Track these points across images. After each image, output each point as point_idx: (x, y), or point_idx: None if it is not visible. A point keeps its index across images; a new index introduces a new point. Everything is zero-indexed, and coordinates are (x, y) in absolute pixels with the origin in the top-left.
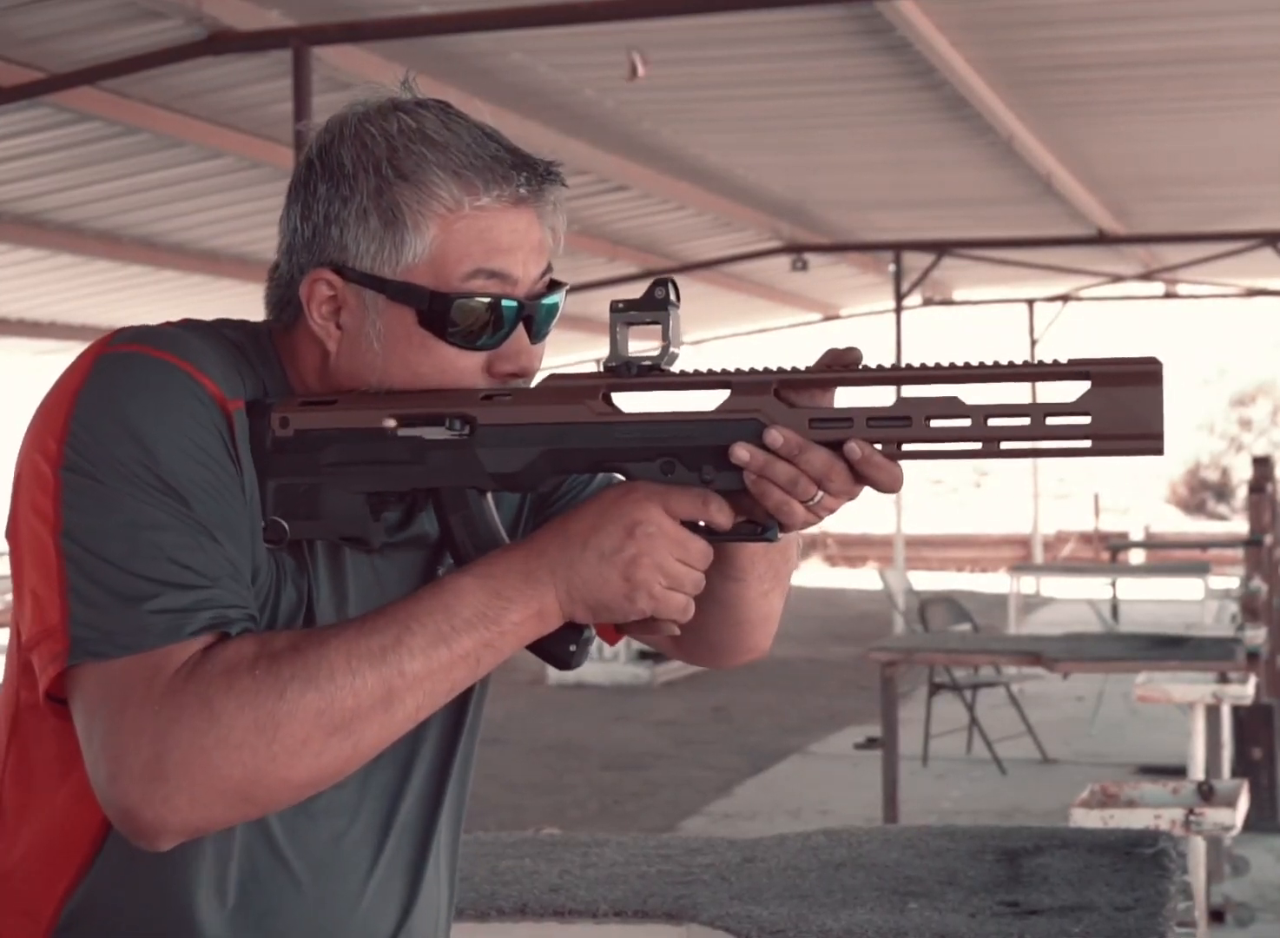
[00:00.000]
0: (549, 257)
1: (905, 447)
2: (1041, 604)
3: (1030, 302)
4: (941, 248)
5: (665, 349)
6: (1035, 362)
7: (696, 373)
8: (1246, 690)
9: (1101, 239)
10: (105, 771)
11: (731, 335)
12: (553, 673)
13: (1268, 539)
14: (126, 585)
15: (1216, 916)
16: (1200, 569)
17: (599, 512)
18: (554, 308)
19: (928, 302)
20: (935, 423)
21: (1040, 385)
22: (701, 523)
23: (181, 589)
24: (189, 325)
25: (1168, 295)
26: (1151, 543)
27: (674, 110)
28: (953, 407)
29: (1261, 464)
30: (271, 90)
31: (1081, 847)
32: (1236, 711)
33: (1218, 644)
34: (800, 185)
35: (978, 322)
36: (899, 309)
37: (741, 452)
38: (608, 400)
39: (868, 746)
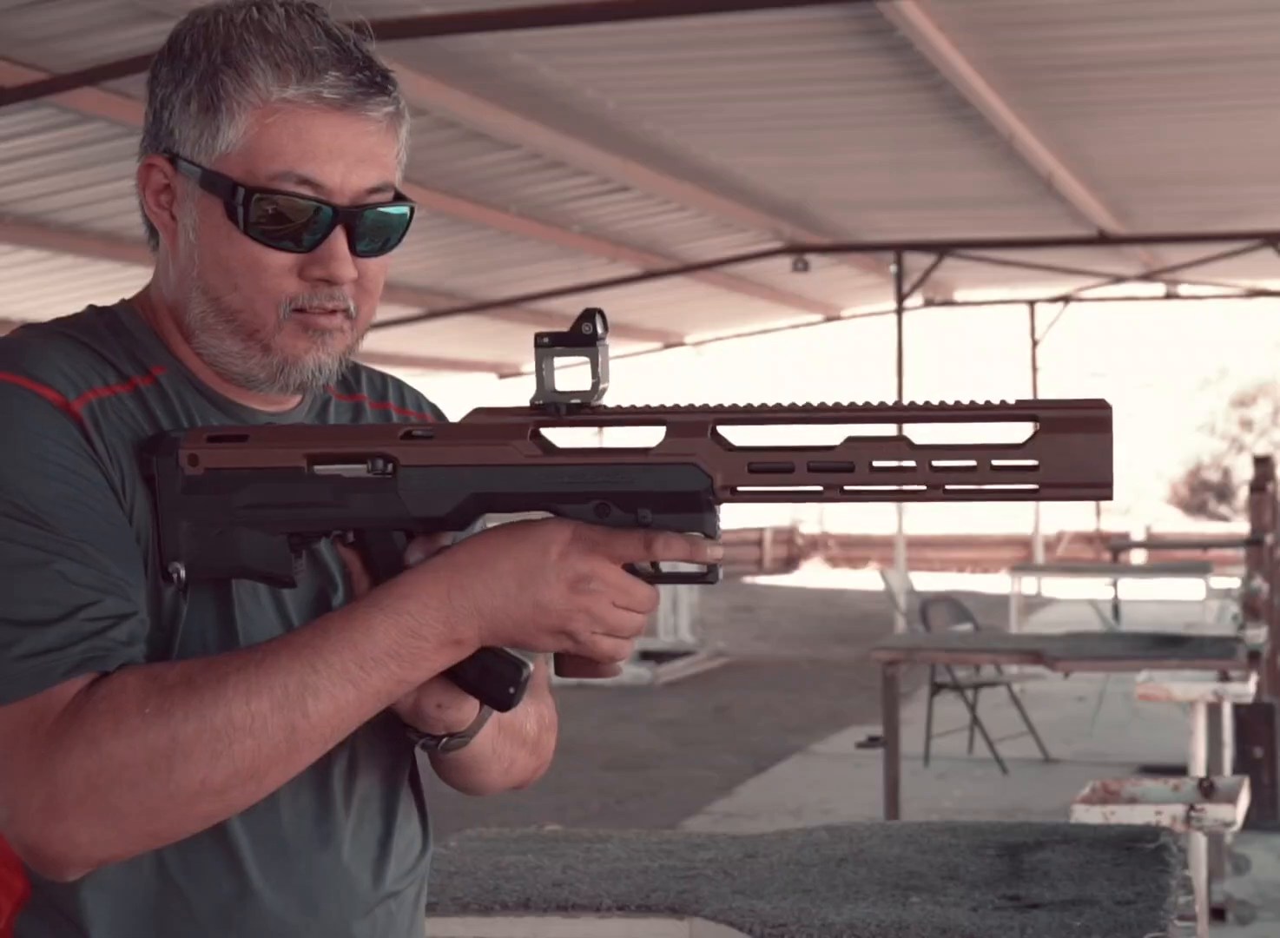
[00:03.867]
0: (387, 173)
1: (847, 487)
2: (1043, 605)
3: (1031, 302)
4: (943, 248)
5: (595, 385)
6: (983, 403)
7: (631, 409)
8: (1247, 689)
9: (1102, 239)
10: (4, 813)
11: (733, 336)
12: (554, 673)
13: (1269, 538)
14: None
15: (1217, 914)
16: (1201, 569)
17: (536, 553)
18: (384, 220)
19: (929, 302)
20: (879, 464)
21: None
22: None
23: (43, 627)
24: (25, 329)
25: (1168, 296)
26: (1152, 543)
27: (676, 111)
28: (897, 450)
29: (1262, 464)
30: None
31: (1082, 842)
32: (1237, 709)
33: (1219, 643)
34: (801, 186)
35: (979, 322)
36: (900, 310)
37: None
38: (536, 438)
39: (869, 745)
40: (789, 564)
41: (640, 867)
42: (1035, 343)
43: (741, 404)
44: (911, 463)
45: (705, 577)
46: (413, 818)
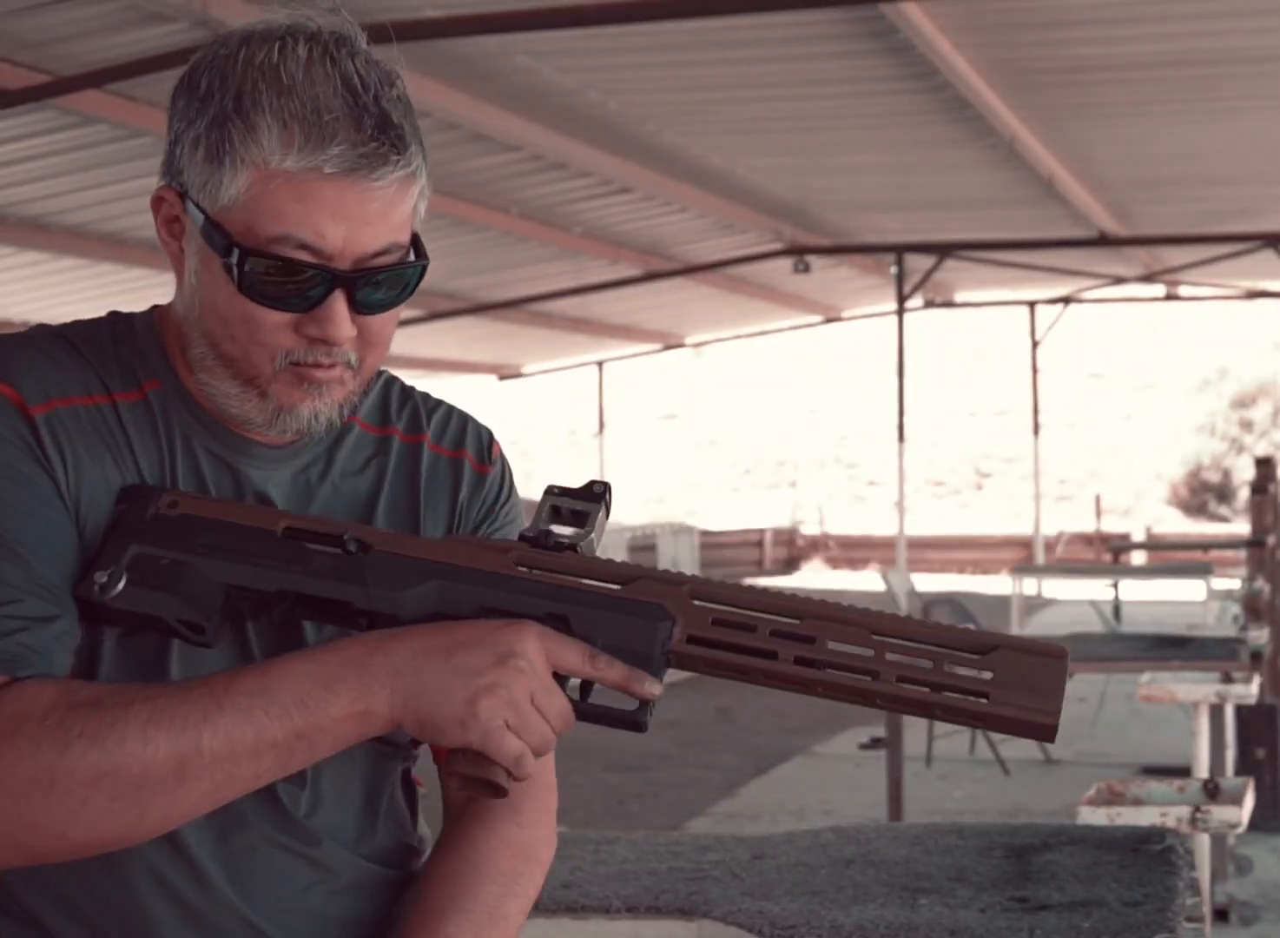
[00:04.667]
0: (395, 233)
1: (799, 656)
2: (1043, 606)
3: (1031, 303)
4: (943, 250)
5: (585, 534)
6: (946, 625)
7: (611, 562)
8: (1250, 690)
9: (1103, 241)
10: None
11: (734, 337)
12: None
13: (1270, 540)
14: None
15: (1220, 914)
16: (1203, 570)
17: (477, 634)
18: (395, 283)
19: (929, 303)
20: (834, 645)
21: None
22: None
23: None
24: (34, 329)
25: (1169, 297)
26: (1152, 544)
27: (678, 112)
28: (858, 636)
29: (1264, 465)
30: None
31: (1089, 844)
32: (1240, 710)
33: (1221, 644)
34: (802, 187)
35: (979, 324)
36: (901, 312)
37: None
38: (517, 556)
39: (872, 746)
40: (789, 565)
41: (648, 868)
42: (1035, 344)
43: (717, 580)
44: (869, 650)
45: (632, 717)
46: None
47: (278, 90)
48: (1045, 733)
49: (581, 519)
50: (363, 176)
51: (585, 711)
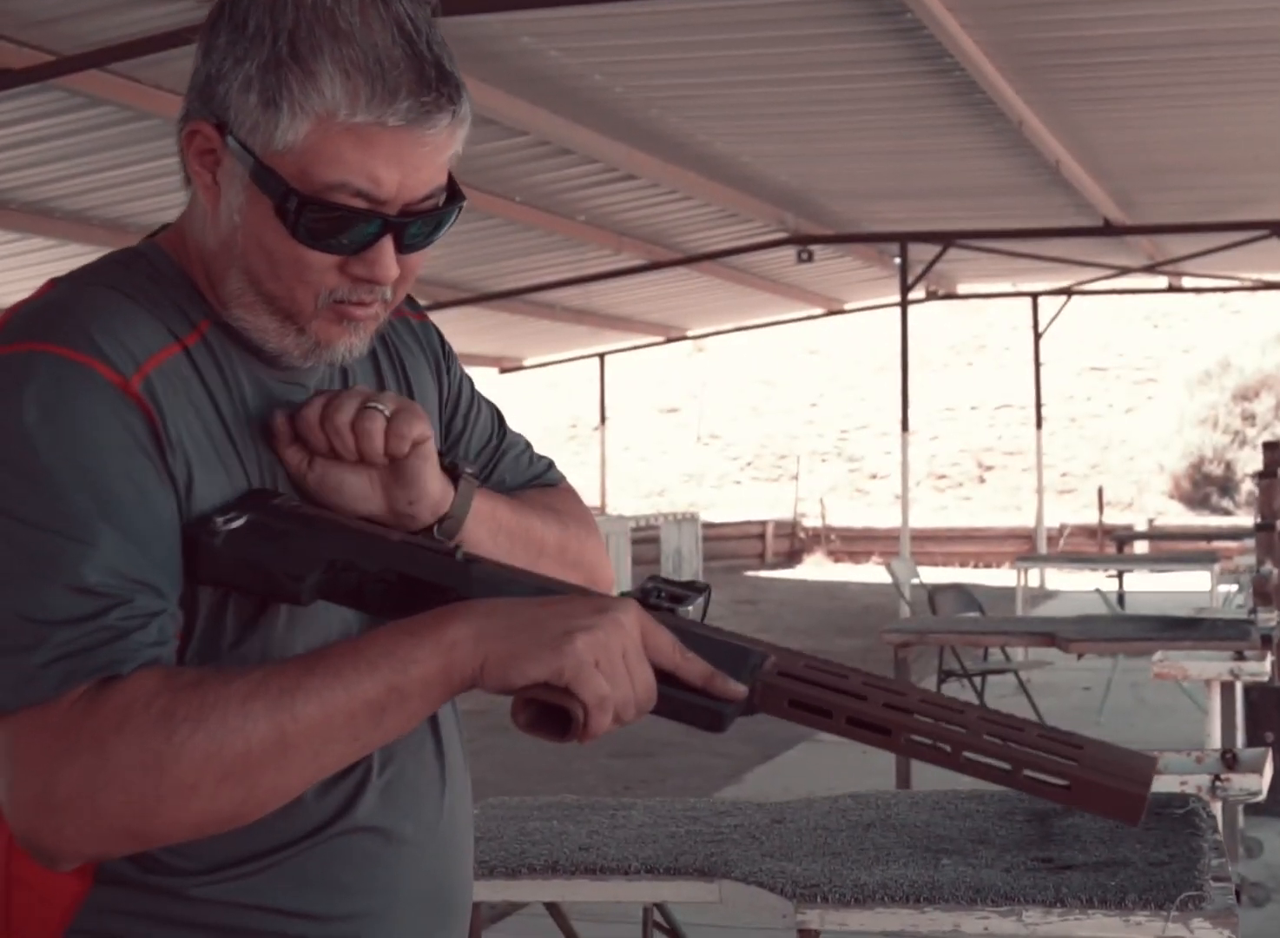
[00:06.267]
0: (441, 176)
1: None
2: (1048, 596)
3: (1034, 295)
4: (947, 239)
5: (684, 609)
6: (1036, 722)
7: (719, 629)
8: (1263, 667)
9: (1107, 229)
10: (5, 800)
11: (736, 329)
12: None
13: (1279, 524)
14: (15, 632)
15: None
16: (1208, 559)
17: (575, 598)
18: (434, 223)
19: (931, 295)
20: (915, 738)
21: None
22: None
23: (75, 625)
24: (64, 285)
25: (1171, 288)
26: (1155, 534)
27: (681, 96)
28: (949, 706)
29: (1272, 449)
30: None
31: None
32: (1249, 693)
33: (1232, 625)
34: (806, 175)
35: (982, 317)
36: (904, 303)
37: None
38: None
39: None
40: (791, 558)
41: (667, 832)
42: (1038, 336)
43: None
44: (947, 747)
45: (713, 709)
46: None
47: (335, 36)
48: (1132, 806)
49: (679, 600)
50: (421, 127)
51: (668, 695)
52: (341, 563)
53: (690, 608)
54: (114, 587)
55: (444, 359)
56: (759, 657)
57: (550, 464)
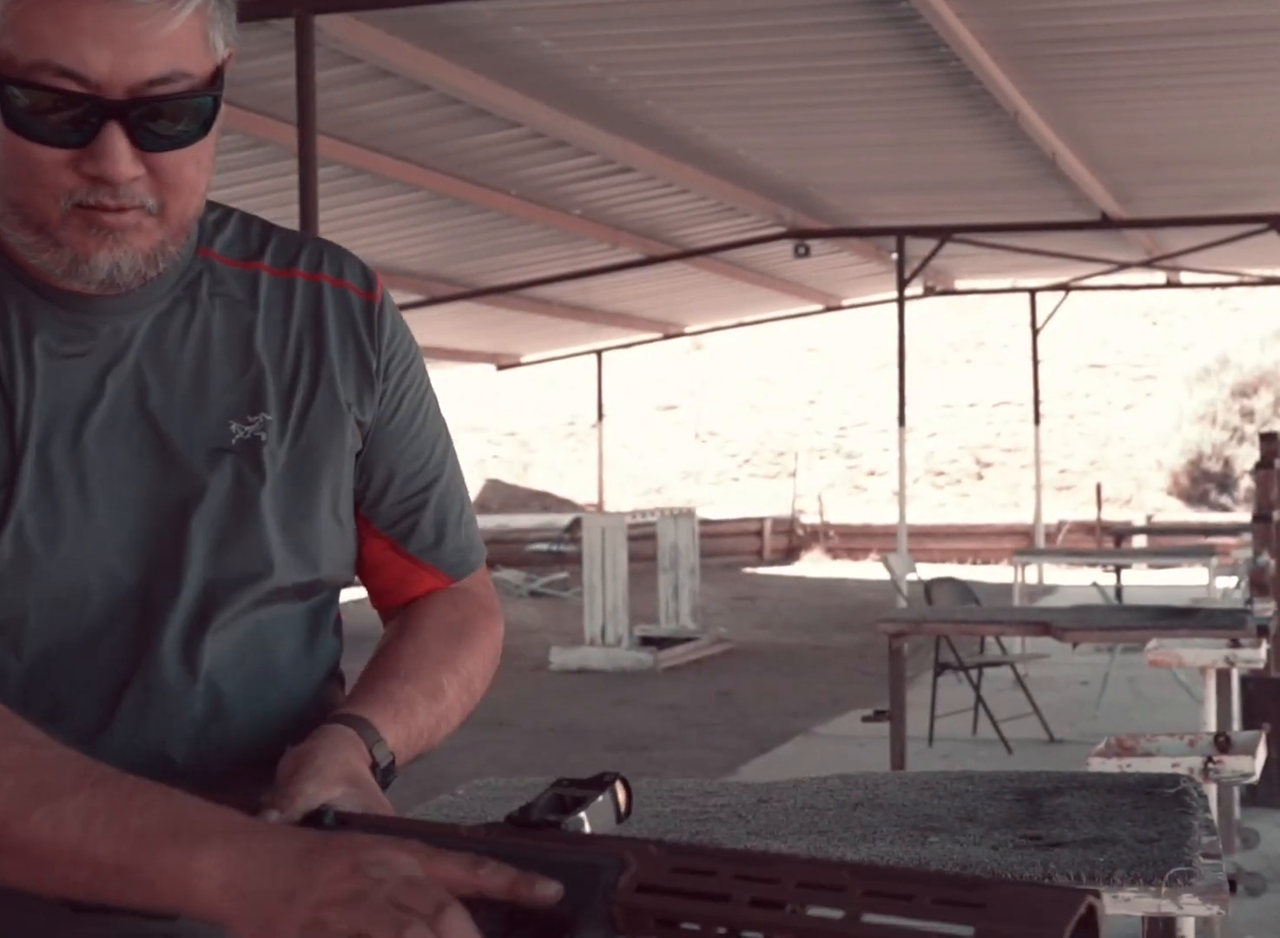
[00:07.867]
0: (180, 59)
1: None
2: (1046, 591)
3: (1032, 291)
4: (944, 233)
5: (575, 818)
6: (934, 871)
7: (593, 836)
8: (1259, 655)
9: (1105, 223)
10: None
11: (733, 326)
12: (555, 659)
13: (1277, 515)
14: None
15: (1228, 886)
16: (1205, 553)
17: (344, 842)
18: (176, 111)
19: (929, 291)
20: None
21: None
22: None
23: None
24: None
25: (1169, 284)
26: (1153, 529)
27: (676, 88)
28: (830, 872)
29: (1269, 440)
30: (274, 65)
31: (1101, 788)
32: (1245, 684)
33: (1228, 614)
34: (802, 168)
35: (979, 313)
36: (901, 298)
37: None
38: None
39: (875, 718)
40: (789, 555)
41: (652, 811)
42: (1036, 332)
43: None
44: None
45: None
46: None
47: None
48: None
49: (578, 804)
50: None
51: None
52: None
53: (583, 814)
54: None
55: (384, 346)
56: (612, 872)
57: (469, 555)
